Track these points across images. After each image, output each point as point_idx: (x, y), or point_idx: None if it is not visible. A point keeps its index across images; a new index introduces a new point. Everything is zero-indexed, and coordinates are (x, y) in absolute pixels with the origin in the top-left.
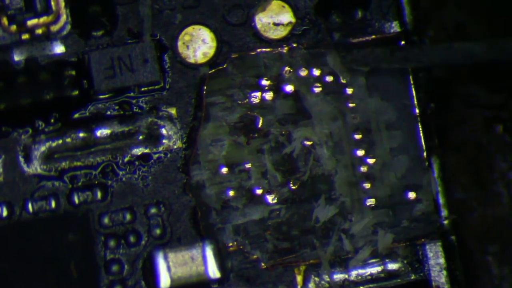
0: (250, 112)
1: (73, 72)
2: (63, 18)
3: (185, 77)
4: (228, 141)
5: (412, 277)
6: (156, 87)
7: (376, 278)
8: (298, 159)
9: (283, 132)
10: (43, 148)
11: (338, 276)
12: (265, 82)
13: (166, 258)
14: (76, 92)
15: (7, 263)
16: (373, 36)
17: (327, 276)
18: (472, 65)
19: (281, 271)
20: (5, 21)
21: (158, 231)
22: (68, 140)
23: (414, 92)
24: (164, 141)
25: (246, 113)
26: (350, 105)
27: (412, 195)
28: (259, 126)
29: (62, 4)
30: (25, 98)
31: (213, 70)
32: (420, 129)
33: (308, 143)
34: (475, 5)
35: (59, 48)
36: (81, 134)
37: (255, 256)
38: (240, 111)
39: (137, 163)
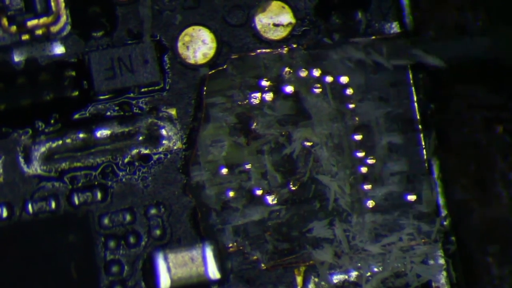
0: (250, 113)
1: (73, 73)
2: (63, 18)
3: (185, 78)
4: (228, 142)
5: (412, 278)
6: (156, 88)
7: (377, 279)
8: (298, 160)
9: (283, 133)
10: (43, 149)
11: (338, 277)
12: (265, 83)
13: (166, 259)
14: (76, 93)
15: (7, 263)
16: (373, 37)
17: (327, 278)
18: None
19: (281, 272)
20: (5, 21)
21: (158, 232)
22: (68, 140)
23: (414, 92)
24: (164, 142)
25: (246, 113)
26: (350, 106)
27: (412, 196)
28: (259, 127)
29: (62, 4)
30: (25, 99)
31: (213, 71)
32: (420, 129)
33: (308, 144)
34: (475, 5)
35: (59, 49)
36: (81, 135)
37: (255, 257)
38: (240, 112)
39: (137, 164)
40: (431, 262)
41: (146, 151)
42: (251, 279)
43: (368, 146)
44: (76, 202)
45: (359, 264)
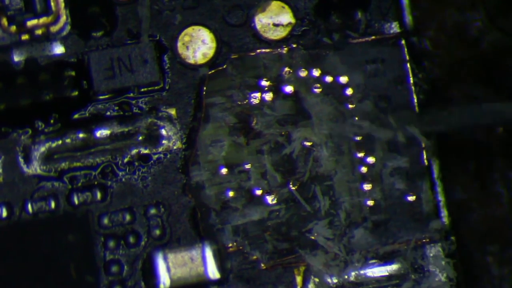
0: (249, 113)
1: (73, 73)
2: (63, 18)
3: (184, 78)
4: (227, 141)
5: (412, 278)
6: (156, 87)
7: (376, 279)
8: (298, 159)
9: (283, 133)
10: (42, 149)
11: (337, 278)
12: (264, 82)
13: (165, 258)
14: (76, 93)
15: (7, 263)
16: (373, 37)
17: (328, 278)
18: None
19: (280, 272)
20: (5, 21)
21: (157, 232)
22: (68, 140)
23: (414, 92)
24: (163, 141)
25: (246, 113)
26: (350, 106)
27: (411, 196)
28: (259, 126)
29: (62, 4)
30: (25, 99)
31: (212, 71)
32: None
33: (308, 143)
34: (475, 5)
35: (59, 49)
36: (80, 135)
37: (254, 257)
38: (240, 112)
39: (136, 163)
40: (431, 262)
41: (146, 151)
42: (251, 279)
43: (368, 146)
44: (76, 202)
45: (358, 265)
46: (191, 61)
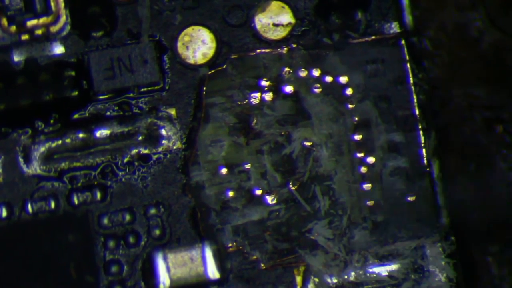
0: (249, 113)
1: (73, 73)
2: (63, 18)
3: (184, 78)
4: (227, 141)
5: (412, 278)
6: (156, 87)
7: (376, 279)
8: (298, 159)
9: (283, 133)
10: (42, 149)
11: (337, 278)
12: (264, 82)
13: (165, 258)
14: (76, 93)
15: (7, 263)
16: (373, 37)
17: (327, 278)
18: None
19: (280, 272)
20: (4, 21)
21: (157, 232)
22: (68, 140)
23: (414, 92)
24: (163, 141)
25: (246, 113)
26: (350, 106)
27: (411, 196)
28: (258, 127)
29: (62, 5)
30: (25, 99)
31: (212, 71)
32: (420, 129)
33: (308, 143)
34: (475, 5)
35: (59, 49)
36: (80, 135)
37: (254, 257)
38: (240, 112)
39: (136, 163)
40: (431, 262)
41: (146, 151)
42: (251, 279)
43: (367, 146)
44: (76, 202)
45: (357, 265)
46: (191, 61)
